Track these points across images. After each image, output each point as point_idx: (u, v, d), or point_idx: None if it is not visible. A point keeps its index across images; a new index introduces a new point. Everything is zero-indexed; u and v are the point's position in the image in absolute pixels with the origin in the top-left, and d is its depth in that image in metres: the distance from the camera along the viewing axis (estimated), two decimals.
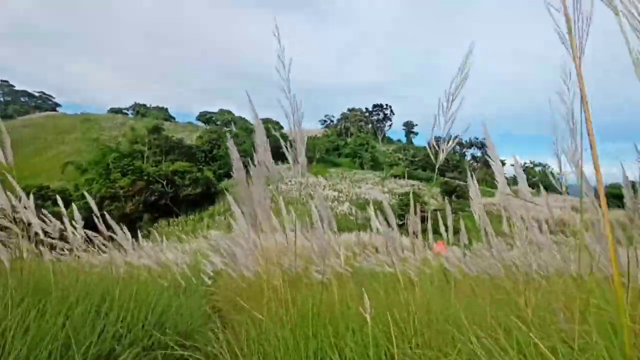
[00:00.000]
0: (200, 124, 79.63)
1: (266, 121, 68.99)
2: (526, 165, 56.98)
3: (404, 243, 4.28)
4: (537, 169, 55.92)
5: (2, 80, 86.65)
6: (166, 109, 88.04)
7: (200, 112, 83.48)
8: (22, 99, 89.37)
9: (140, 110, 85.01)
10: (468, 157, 59.28)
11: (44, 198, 23.95)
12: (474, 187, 1.93)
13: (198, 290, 4.63)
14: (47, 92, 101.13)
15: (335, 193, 38.53)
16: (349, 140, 63.70)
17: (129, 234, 3.58)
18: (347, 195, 37.74)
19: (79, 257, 3.88)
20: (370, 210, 2.89)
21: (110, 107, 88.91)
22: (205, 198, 38.43)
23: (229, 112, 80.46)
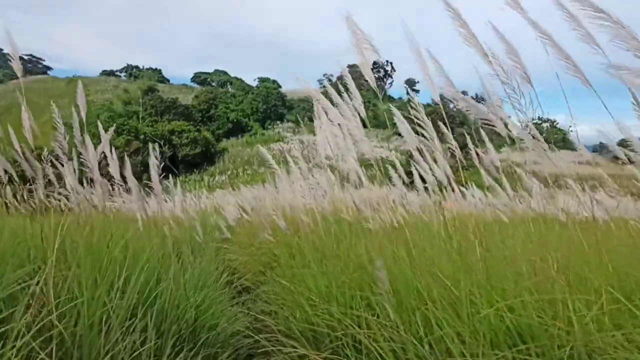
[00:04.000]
0: (195, 85, 77.64)
1: (264, 80, 67.27)
2: (534, 121, 56.08)
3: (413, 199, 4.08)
4: (544, 125, 55.33)
5: None
6: (160, 71, 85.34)
7: (194, 73, 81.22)
8: (10, 63, 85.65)
9: (132, 72, 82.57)
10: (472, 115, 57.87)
11: (40, 160, 23.72)
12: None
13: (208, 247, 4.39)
14: (36, 55, 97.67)
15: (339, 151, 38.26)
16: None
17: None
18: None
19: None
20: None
21: (102, 69, 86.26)
22: (204, 158, 38.14)
23: (225, 73, 78.25)
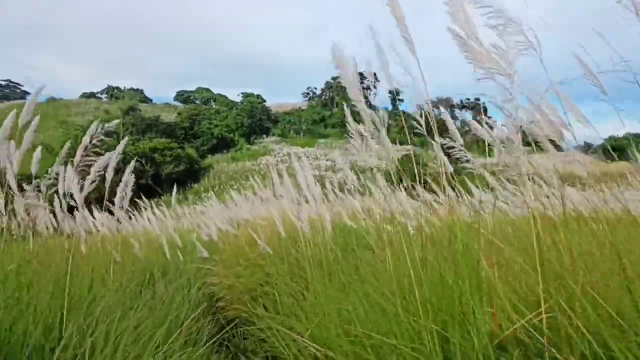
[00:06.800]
0: (178, 103, 76.62)
1: (248, 95, 66.72)
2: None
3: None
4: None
5: None
6: (141, 91, 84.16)
7: (177, 92, 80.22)
8: None
9: (114, 93, 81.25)
10: (458, 120, 58.34)
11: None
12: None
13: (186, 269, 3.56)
14: (13, 81, 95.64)
15: (329, 162, 38.49)
16: (334, 110, 62.21)
17: None
18: (341, 164, 37.65)
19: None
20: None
21: (83, 92, 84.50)
22: (188, 176, 37.16)
23: (208, 90, 77.59)
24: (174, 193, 3.86)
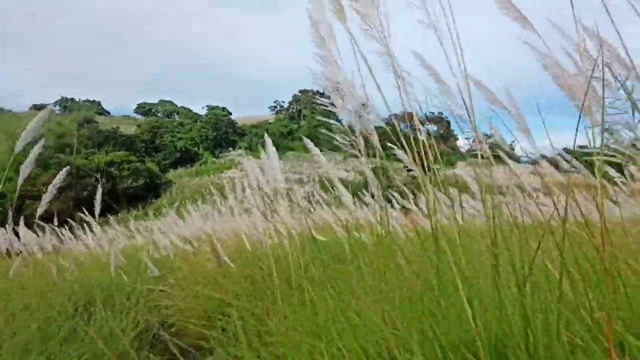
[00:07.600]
0: (138, 116, 73.89)
1: (214, 108, 65.54)
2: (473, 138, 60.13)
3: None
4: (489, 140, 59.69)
5: None
6: (98, 103, 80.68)
7: (138, 104, 77.33)
8: None
9: (68, 105, 77.19)
10: (423, 134, 59.64)
11: None
12: None
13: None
14: None
15: (296, 176, 38.42)
16: (302, 123, 62.28)
17: None
18: (308, 177, 37.33)
19: None
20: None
21: (33, 103, 79.84)
22: (149, 191, 35.65)
23: (171, 103, 75.55)
24: (98, 202, 3.32)
